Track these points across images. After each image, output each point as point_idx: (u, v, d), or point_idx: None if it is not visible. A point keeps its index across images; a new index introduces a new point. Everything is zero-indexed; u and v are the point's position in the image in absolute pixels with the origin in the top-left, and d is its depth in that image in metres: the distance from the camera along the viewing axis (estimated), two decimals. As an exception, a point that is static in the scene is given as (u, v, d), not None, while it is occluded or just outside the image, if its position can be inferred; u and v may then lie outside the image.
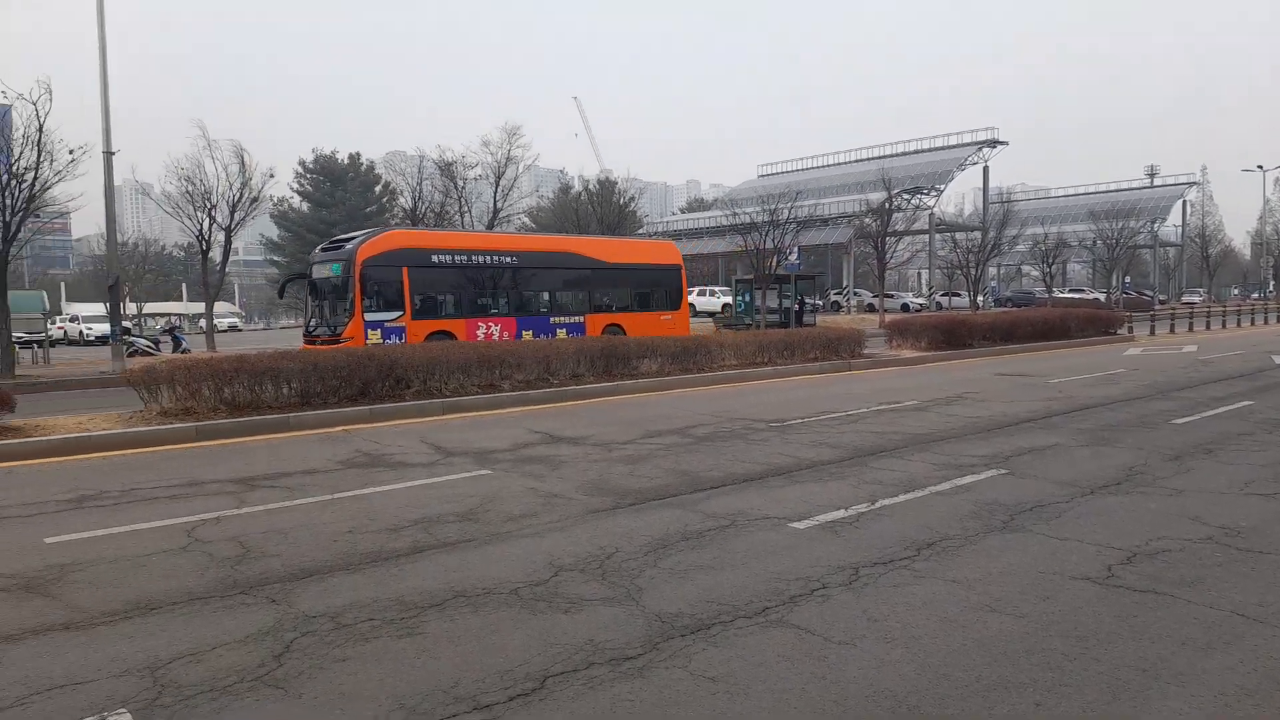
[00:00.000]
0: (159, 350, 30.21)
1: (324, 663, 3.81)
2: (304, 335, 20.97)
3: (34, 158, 22.00)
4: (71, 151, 23.29)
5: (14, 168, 21.49)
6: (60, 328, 43.91)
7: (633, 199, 49.94)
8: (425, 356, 13.07)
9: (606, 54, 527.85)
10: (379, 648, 3.97)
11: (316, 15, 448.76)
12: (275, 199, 64.83)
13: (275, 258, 76.11)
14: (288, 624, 4.27)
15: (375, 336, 18.84)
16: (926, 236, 57.93)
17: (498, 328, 20.86)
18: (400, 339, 18.86)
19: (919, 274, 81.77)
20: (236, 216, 28.98)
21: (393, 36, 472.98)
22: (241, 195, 29.70)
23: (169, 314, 62.38)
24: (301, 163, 73.79)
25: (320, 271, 20.13)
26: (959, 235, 54.72)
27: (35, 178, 21.91)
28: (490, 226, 36.43)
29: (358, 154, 74.65)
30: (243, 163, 29.82)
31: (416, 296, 19.76)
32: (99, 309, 47.97)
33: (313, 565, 5.23)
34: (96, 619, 4.39)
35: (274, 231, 74.83)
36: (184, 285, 70.40)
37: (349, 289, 18.80)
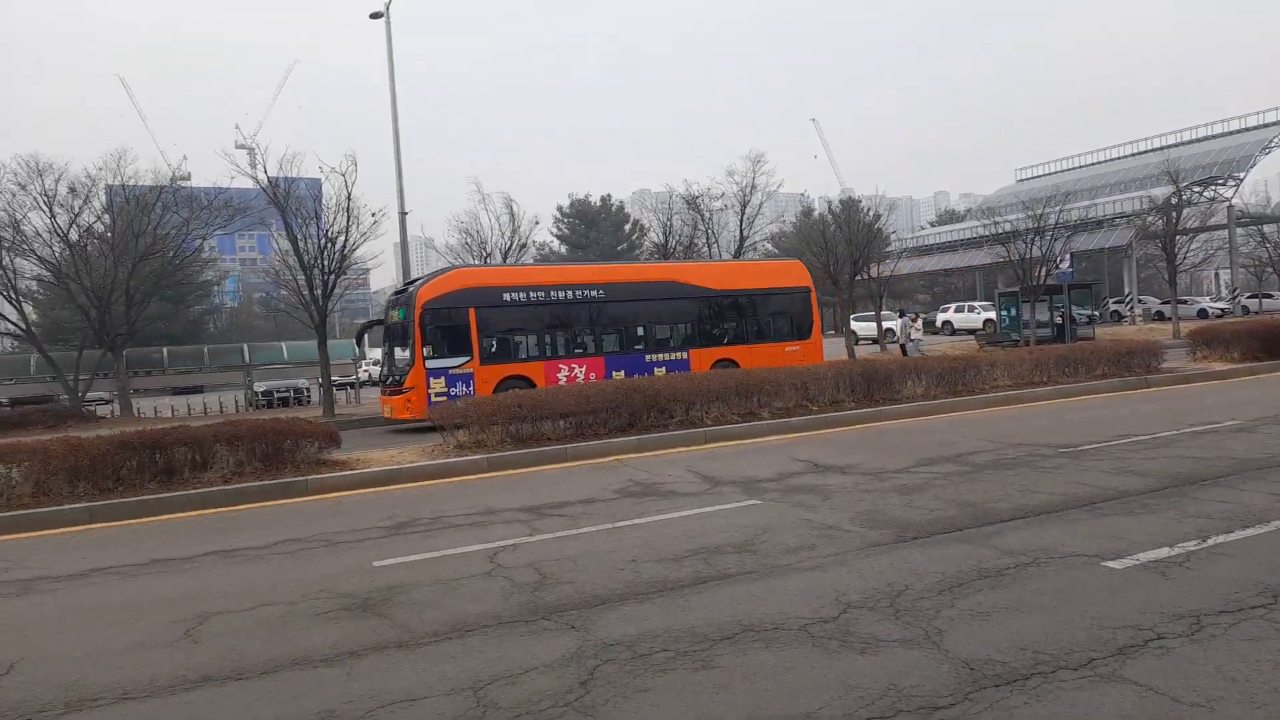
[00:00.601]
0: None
1: (626, 692, 3.91)
2: (380, 386, 20.75)
3: (344, 222, 25.34)
4: (374, 214, 26.54)
5: (329, 232, 24.89)
6: (365, 371, 49.89)
7: (878, 216, 48.63)
8: (687, 387, 13.36)
9: (841, 69, 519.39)
10: (677, 680, 4.02)
11: (553, 74, 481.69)
12: (538, 244, 70.11)
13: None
14: (588, 651, 4.44)
15: (439, 385, 17.65)
16: (1225, 233, 50.90)
17: (583, 370, 19.09)
18: (468, 388, 17.78)
19: (1215, 275, 71.99)
20: (508, 262, 31.53)
21: (625, 65, 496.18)
22: (511, 243, 32.31)
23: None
24: (559, 208, 79.09)
25: (391, 317, 19.29)
26: (1268, 228, 47.58)
27: (346, 240, 25.22)
28: (737, 255, 36.86)
29: (608, 195, 78.80)
30: (512, 213, 32.47)
31: (486, 340, 18.36)
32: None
33: (604, 593, 5.43)
34: (422, 639, 4.83)
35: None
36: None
37: (410, 334, 17.83)
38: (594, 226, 76.79)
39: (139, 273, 28.01)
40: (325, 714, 3.87)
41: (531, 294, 19.13)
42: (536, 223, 36.92)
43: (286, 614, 5.45)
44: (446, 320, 18.11)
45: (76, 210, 28.56)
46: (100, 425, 22.63)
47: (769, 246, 62.05)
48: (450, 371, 17.86)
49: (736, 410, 13.54)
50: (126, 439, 9.94)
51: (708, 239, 38.16)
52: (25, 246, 28.63)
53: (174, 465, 10.08)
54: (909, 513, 7.19)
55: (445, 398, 17.00)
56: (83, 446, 9.69)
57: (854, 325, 35.57)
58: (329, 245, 25.64)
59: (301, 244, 25.12)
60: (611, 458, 11.33)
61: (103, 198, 30.04)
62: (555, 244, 78.91)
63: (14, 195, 27.08)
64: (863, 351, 29.57)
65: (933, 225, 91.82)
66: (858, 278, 33.82)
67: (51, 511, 9.01)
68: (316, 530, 8.00)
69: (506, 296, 18.85)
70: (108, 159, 30.37)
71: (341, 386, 30.75)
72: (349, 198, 25.48)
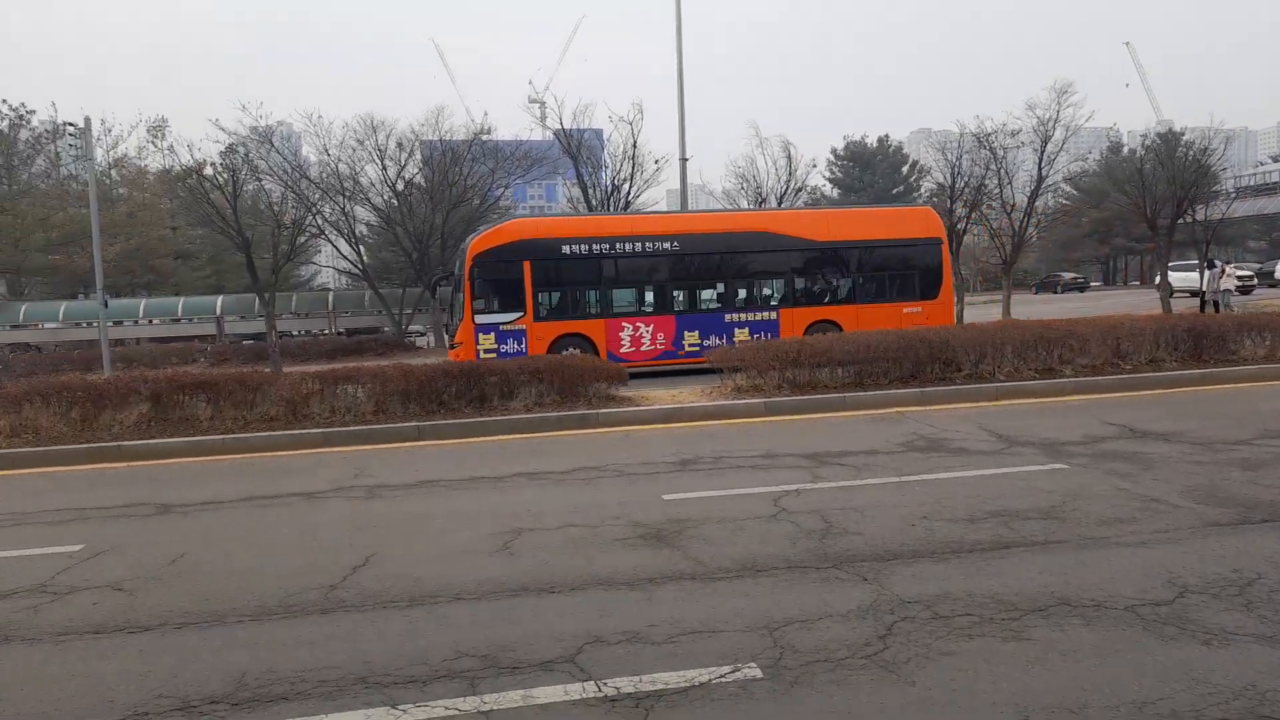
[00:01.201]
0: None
1: (929, 653, 3.76)
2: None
3: (629, 170, 26.35)
4: (656, 161, 27.34)
5: (615, 179, 26.04)
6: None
7: (1207, 150, 41.71)
8: (976, 338, 12.51)
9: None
10: (984, 647, 3.80)
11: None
12: (809, 188, 68.69)
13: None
14: (884, 606, 4.33)
15: (488, 341, 17.13)
16: None
17: (649, 329, 17.77)
18: (520, 344, 17.23)
19: None
20: (783, 206, 31.19)
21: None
22: (787, 187, 31.87)
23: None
24: (833, 151, 76.61)
25: (458, 270, 18.13)
26: None
27: (630, 187, 26.27)
28: (1033, 199, 33.66)
29: (885, 136, 75.01)
30: (789, 156, 31.96)
31: (541, 295, 17.61)
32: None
33: (895, 548, 5.27)
34: (714, 573, 4.97)
35: (806, 219, 78.96)
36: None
37: (461, 288, 17.35)
38: (869, 169, 73.68)
39: (452, 219, 31.08)
40: (630, 635, 4.11)
41: (594, 246, 17.85)
42: (814, 165, 36.13)
43: (588, 536, 5.86)
44: (499, 274, 17.49)
45: (403, 162, 32.19)
46: (418, 354, 25.67)
47: (1067, 188, 56.09)
48: (501, 328, 17.33)
49: (1032, 365, 12.47)
50: (448, 368, 11.16)
51: (1000, 180, 35.18)
52: (362, 195, 32.78)
53: (486, 393, 11.16)
54: (1255, 490, 6.24)
55: (494, 355, 16.77)
56: (413, 373, 11.01)
57: (1171, 276, 31.19)
58: (614, 192, 26.83)
59: (590, 191, 26.54)
60: (893, 409, 10.92)
61: (421, 152, 33.58)
62: (827, 188, 76.84)
63: (354, 150, 31.03)
64: (1180, 306, 25.95)
65: (1275, 160, 78.01)
66: (1180, 220, 29.60)
67: (388, 427, 10.37)
68: (609, 460, 8.50)
69: (565, 249, 17.78)
70: (428, 116, 33.81)
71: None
72: (634, 145, 26.44)
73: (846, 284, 18.99)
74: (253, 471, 8.93)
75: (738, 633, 4.08)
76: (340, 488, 7.84)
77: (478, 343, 16.99)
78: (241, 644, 4.25)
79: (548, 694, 3.54)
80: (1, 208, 37.81)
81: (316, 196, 31.65)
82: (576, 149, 27.91)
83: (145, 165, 44.36)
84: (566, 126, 27.87)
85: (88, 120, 24.19)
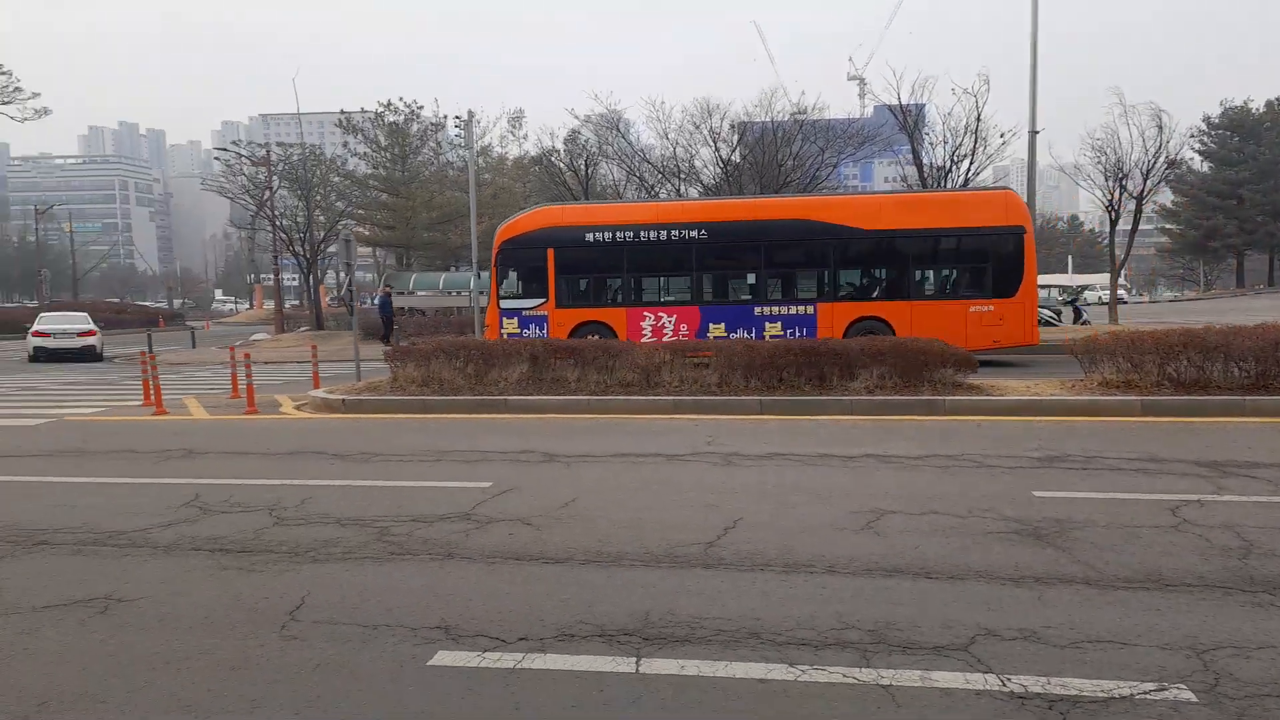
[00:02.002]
0: (1059, 321, 31.07)
1: None
2: None
3: (970, 144, 24.78)
4: (1002, 135, 25.44)
5: (955, 154, 24.63)
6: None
7: None
8: None
9: None
10: None
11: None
12: (1182, 161, 59.99)
13: (1168, 225, 70.34)
14: (1345, 645, 3.72)
15: (511, 326, 17.24)
16: None
17: (672, 320, 16.88)
18: (541, 330, 17.02)
19: None
20: (1149, 183, 27.56)
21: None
22: (1155, 160, 28.09)
23: (1061, 285, 63.71)
24: (1206, 119, 65.99)
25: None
26: None
27: (971, 163, 24.70)
28: None
29: (1277, 99, 63.02)
30: (1160, 125, 28.11)
31: (563, 281, 17.36)
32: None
33: (1348, 581, 4.49)
34: (1112, 581, 4.57)
35: (1165, 196, 68.96)
36: (1069, 257, 70.80)
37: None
38: (1252, 139, 62.42)
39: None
40: (1027, 633, 3.92)
41: (618, 234, 17.24)
42: (1192, 135, 31.45)
43: (956, 525, 5.66)
44: (524, 260, 17.61)
45: (734, 144, 32.99)
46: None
47: None
48: (524, 313, 17.41)
49: None
50: (789, 345, 11.33)
51: None
52: (695, 176, 34.13)
53: (825, 373, 11.17)
54: None
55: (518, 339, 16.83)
56: (756, 349, 11.33)
57: None
58: (952, 168, 25.40)
59: (926, 168, 25.36)
60: (1312, 419, 9.27)
61: (750, 134, 34.12)
62: (1195, 160, 66.33)
63: (690, 134, 32.34)
64: None
65: None
66: None
67: (732, 399, 10.78)
68: (963, 450, 8.14)
69: (589, 237, 17.46)
70: (761, 97, 34.32)
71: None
72: (978, 119, 24.80)
73: (899, 278, 17.03)
74: (617, 430, 9.75)
75: (1155, 649, 3.73)
76: (697, 452, 8.30)
77: (502, 326, 17.11)
78: (639, 586, 4.67)
79: (947, 679, 3.49)
80: (397, 191, 44.46)
81: (654, 180, 33.48)
82: (914, 124, 26.76)
83: (505, 153, 49.75)
84: (904, 101, 26.83)
85: (470, 114, 27.68)
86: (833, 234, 16.96)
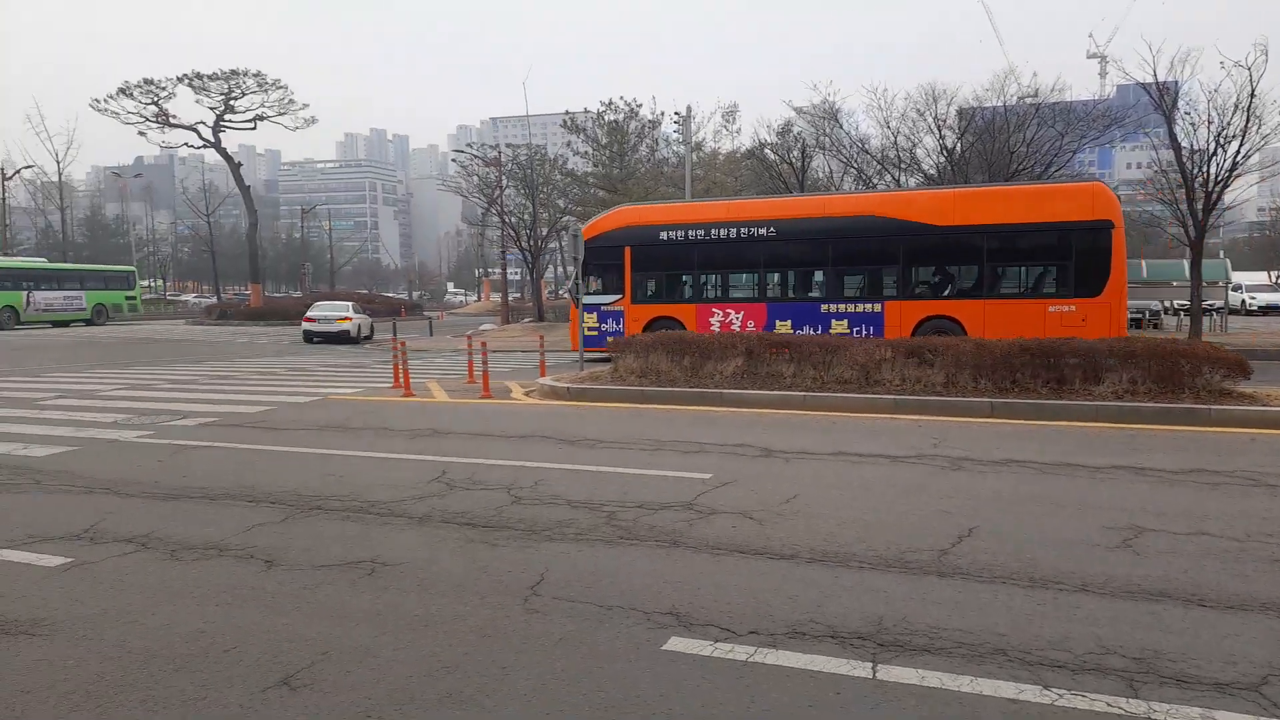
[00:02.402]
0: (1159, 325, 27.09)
1: None
2: None
3: (1241, 123, 21.95)
4: (1283, 111, 22.37)
5: (1221, 136, 21.88)
6: (1248, 298, 43.25)
7: None
8: None
9: None
10: None
11: None
12: None
13: None
14: None
15: (591, 320, 18.11)
16: None
17: (739, 316, 17.43)
18: (618, 324, 18.00)
19: None
20: None
21: None
22: None
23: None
24: None
25: None
26: None
27: (1240, 145, 21.87)
28: None
29: None
30: None
31: (638, 278, 18.26)
32: (1261, 278, 46.14)
33: None
34: None
35: None
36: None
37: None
38: None
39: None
40: (1334, 678, 3.42)
41: (689, 232, 17.72)
42: None
43: (1233, 550, 5.05)
44: (604, 258, 18.19)
45: (960, 130, 31.25)
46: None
47: None
48: (603, 308, 18.26)
49: None
50: (1025, 345, 10.57)
51: None
52: (916, 166, 32.68)
53: (1065, 375, 10.33)
54: None
55: (596, 333, 17.99)
56: (987, 348, 10.67)
57: None
58: (1218, 150, 22.63)
59: (1186, 152, 22.74)
60: None
61: (980, 119, 32.12)
62: None
63: (913, 122, 30.97)
64: None
65: None
66: None
67: (959, 400, 10.22)
68: (1236, 465, 7.26)
69: (663, 235, 18.07)
70: (993, 81, 32.23)
71: (1207, 311, 27.46)
72: (1252, 94, 21.91)
73: (972, 275, 16.53)
74: (835, 428, 9.54)
75: None
76: (921, 454, 7.95)
77: (582, 321, 17.22)
78: (869, 589, 4.54)
79: (1234, 721, 3.12)
80: (614, 188, 45.94)
81: (872, 170, 32.38)
82: (1171, 103, 24.05)
83: (718, 147, 49.99)
84: (1160, 77, 24.17)
85: (688, 109, 28.14)
86: (901, 230, 16.66)
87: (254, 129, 44.53)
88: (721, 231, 17.78)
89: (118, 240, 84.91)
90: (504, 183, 51.04)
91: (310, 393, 13.42)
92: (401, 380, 13.34)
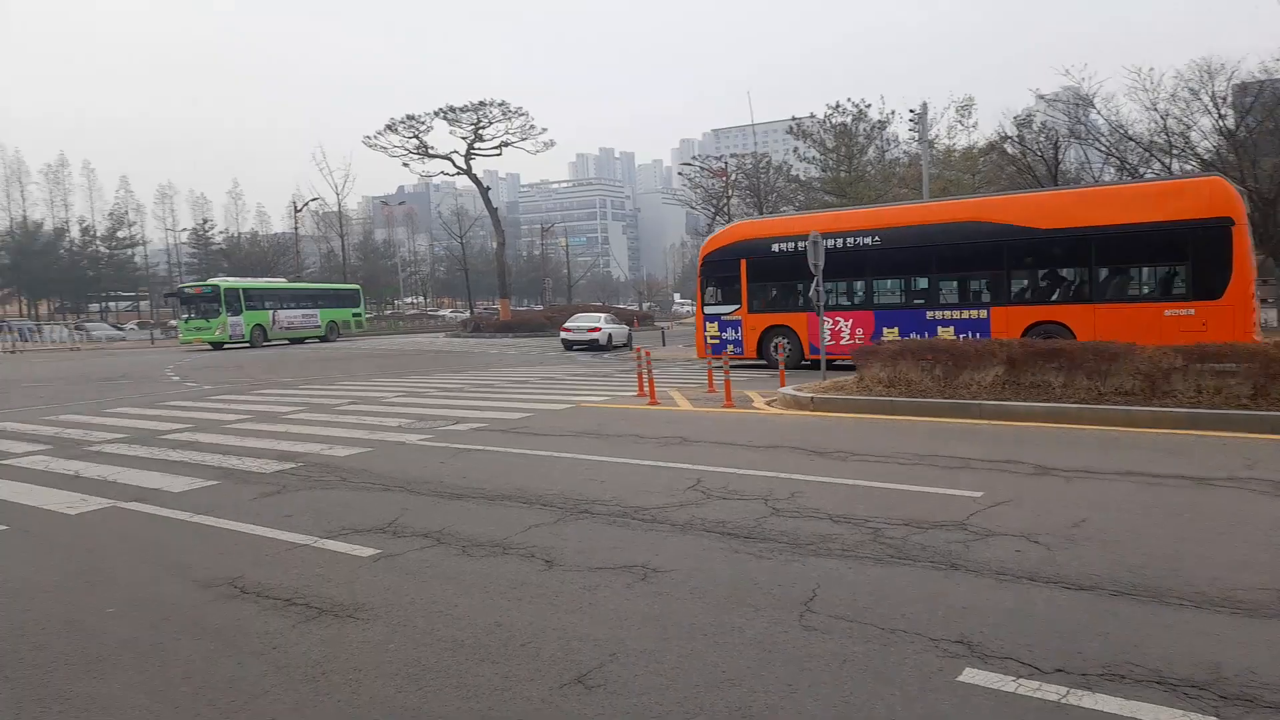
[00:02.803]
0: None
1: None
2: None
3: None
4: None
5: None
6: None
7: None
8: None
9: None
10: None
11: None
12: None
13: None
14: None
15: (713, 329, 19.51)
16: None
17: (848, 324, 17.87)
18: (737, 334, 19.22)
19: None
20: None
21: None
22: None
23: None
24: None
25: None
26: None
27: None
28: None
29: None
30: None
31: (754, 288, 19.24)
32: None
33: None
34: None
35: None
36: None
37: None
38: None
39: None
40: None
41: (798, 244, 17.83)
42: None
43: None
44: (722, 270, 19.45)
45: (1245, 108, 27.54)
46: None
47: None
48: (723, 318, 19.39)
49: None
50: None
51: None
52: (1189, 151, 29.18)
53: None
54: None
55: (717, 341, 19.20)
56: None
57: None
58: None
59: None
60: None
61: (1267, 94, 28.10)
62: None
63: (1186, 102, 27.69)
64: None
65: None
66: None
67: (1273, 415, 8.91)
68: None
69: (774, 248, 18.76)
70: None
71: None
72: None
73: (1080, 279, 16.03)
74: (1117, 444, 8.64)
75: None
76: (1234, 477, 7.00)
77: (705, 330, 18.97)
78: (1195, 631, 4.02)
79: None
80: (843, 192, 44.86)
81: (1137, 158, 29.30)
82: None
83: (953, 144, 47.36)
84: None
85: (924, 105, 26.90)
86: (1006, 235, 16.45)
87: (499, 154, 47.95)
88: (828, 241, 17.48)
89: (385, 262, 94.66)
90: (730, 192, 51.36)
91: (563, 400, 14.13)
92: (646, 389, 13.71)
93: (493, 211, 49.71)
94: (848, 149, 48.54)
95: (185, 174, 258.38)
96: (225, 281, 41.66)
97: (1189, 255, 15.01)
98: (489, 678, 3.84)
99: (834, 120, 47.09)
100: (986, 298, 16.84)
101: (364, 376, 20.52)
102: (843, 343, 17.82)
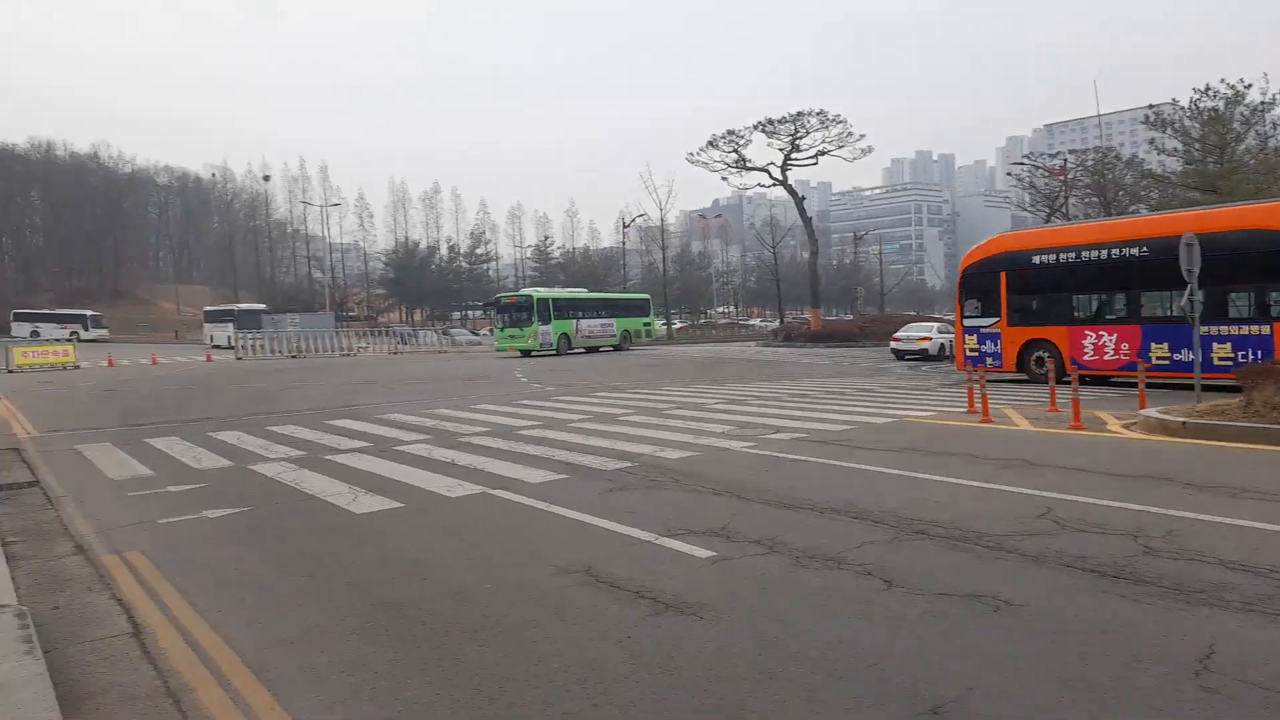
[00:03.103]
0: None
1: None
2: None
3: None
4: None
5: None
6: None
7: None
8: None
9: None
10: None
11: None
12: None
13: None
14: None
15: (972, 342, 19.38)
16: None
17: (1113, 339, 17.06)
18: (995, 345, 18.99)
19: None
20: None
21: None
22: None
23: None
24: None
25: None
26: None
27: None
28: None
29: None
30: None
31: (1013, 300, 18.84)
32: None
33: None
34: None
35: None
36: None
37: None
38: None
39: None
40: None
41: (1060, 255, 17.97)
42: None
43: None
44: (981, 284, 19.37)
45: None
46: None
47: None
48: (981, 330, 19.27)
49: None
50: None
51: None
52: None
53: None
54: None
55: (976, 354, 19.09)
56: None
57: None
58: None
59: None
60: None
61: None
62: None
63: None
64: None
65: None
66: None
67: None
68: None
69: (1036, 260, 18.53)
70: None
71: None
72: None
73: None
74: None
75: None
76: None
77: (964, 342, 19.11)
78: None
79: None
80: (1213, 187, 38.79)
81: None
82: None
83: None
84: None
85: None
86: None
87: (815, 164, 47.65)
88: (1093, 253, 17.65)
89: (700, 273, 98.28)
90: (1067, 192, 46.70)
91: (883, 414, 13.67)
92: (979, 405, 12.82)
93: (807, 221, 49.59)
94: (1219, 137, 41.97)
95: (531, 195, 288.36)
96: (537, 292, 43.68)
97: None
98: (834, 695, 3.79)
99: (1202, 105, 40.98)
100: (1270, 312, 15.41)
101: (685, 383, 21.39)
102: (1105, 358, 17.33)
